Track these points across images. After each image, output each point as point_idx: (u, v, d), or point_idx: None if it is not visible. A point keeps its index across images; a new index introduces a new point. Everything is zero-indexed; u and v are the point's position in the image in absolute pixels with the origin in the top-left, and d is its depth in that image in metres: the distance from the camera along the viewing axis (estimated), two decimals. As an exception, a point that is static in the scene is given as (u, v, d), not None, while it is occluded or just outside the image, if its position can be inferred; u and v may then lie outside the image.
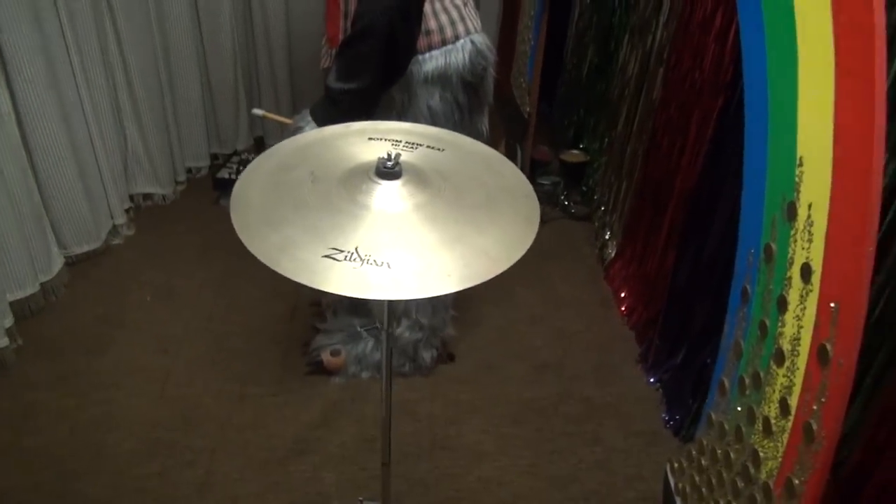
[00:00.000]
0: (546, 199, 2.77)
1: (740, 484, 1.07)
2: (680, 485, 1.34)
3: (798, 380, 0.90)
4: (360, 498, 1.45)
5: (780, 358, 0.95)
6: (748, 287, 1.05)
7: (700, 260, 1.76)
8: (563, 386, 1.99)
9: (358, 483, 1.67)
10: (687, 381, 1.84)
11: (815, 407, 0.86)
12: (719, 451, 1.16)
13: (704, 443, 1.23)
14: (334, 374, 1.95)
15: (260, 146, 2.99)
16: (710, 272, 1.69)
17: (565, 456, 1.79)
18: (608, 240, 2.51)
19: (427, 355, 1.95)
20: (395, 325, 1.87)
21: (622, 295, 2.30)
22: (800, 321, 0.90)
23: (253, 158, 1.07)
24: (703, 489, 1.22)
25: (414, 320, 1.87)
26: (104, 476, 1.64)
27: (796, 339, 0.91)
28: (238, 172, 2.47)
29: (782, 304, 0.94)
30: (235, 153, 2.89)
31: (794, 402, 0.91)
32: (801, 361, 0.90)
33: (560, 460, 1.77)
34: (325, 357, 1.93)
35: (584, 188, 2.84)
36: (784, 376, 0.94)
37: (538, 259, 2.49)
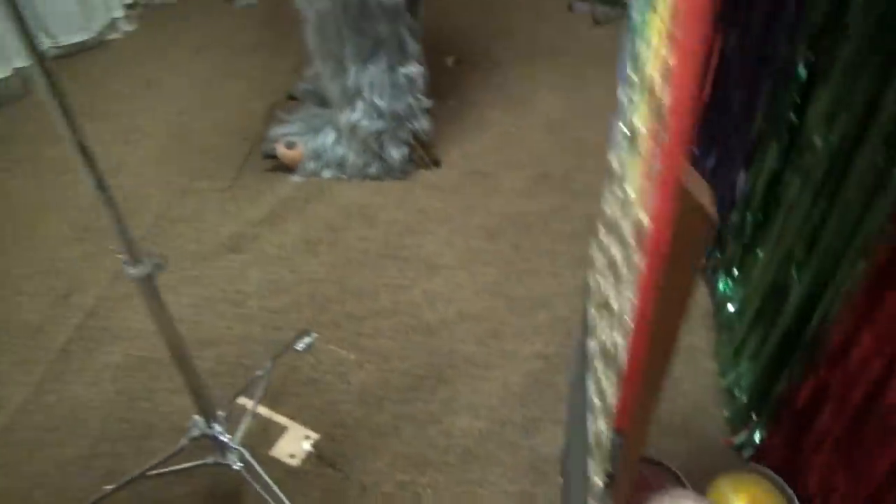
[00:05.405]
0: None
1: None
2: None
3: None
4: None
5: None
6: None
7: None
8: (563, 199, 1.60)
9: (280, 287, 1.43)
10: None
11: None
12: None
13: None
14: (293, 170, 1.68)
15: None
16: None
17: (542, 277, 1.43)
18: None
19: (396, 153, 1.62)
20: (349, 110, 1.55)
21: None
22: None
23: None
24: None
25: (370, 103, 1.53)
26: (28, 253, 1.52)
27: None
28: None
29: None
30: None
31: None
32: None
33: (533, 281, 1.42)
34: (280, 149, 1.66)
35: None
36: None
37: (577, 62, 2.01)
